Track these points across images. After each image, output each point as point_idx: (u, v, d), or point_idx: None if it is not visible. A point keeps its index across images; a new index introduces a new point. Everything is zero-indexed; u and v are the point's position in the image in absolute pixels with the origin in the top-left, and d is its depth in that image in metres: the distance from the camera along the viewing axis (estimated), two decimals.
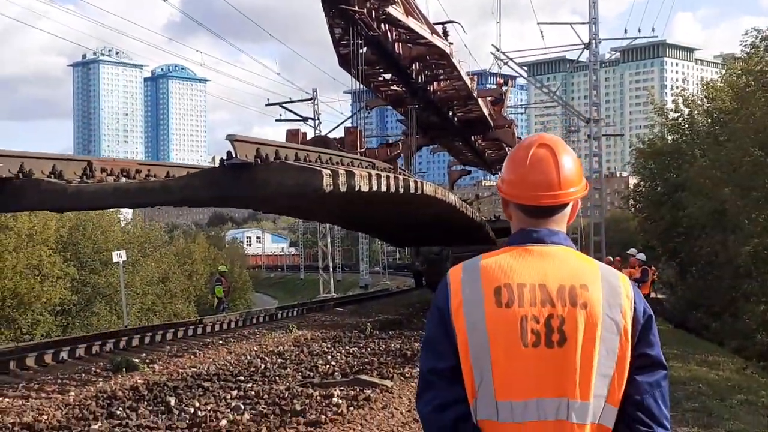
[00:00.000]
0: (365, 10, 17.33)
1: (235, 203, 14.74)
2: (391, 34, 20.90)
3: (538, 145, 2.65)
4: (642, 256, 26.12)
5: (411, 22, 19.72)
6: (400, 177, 15.45)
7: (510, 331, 2.44)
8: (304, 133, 20.20)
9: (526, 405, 2.43)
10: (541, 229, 2.61)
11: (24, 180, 11.23)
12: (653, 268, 39.58)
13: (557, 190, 2.60)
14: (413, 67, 24.20)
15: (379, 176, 13.28)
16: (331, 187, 10.78)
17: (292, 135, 19.46)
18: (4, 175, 10.93)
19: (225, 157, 10.86)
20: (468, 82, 27.96)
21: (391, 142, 22.32)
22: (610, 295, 2.50)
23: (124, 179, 12.23)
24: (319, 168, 10.90)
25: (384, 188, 13.42)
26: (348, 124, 27.69)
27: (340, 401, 11.36)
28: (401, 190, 14.75)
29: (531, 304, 2.46)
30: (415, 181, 16.65)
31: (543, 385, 2.44)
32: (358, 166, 15.18)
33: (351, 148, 18.52)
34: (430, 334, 2.58)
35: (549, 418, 2.43)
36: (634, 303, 2.55)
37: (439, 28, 24.38)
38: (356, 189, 11.75)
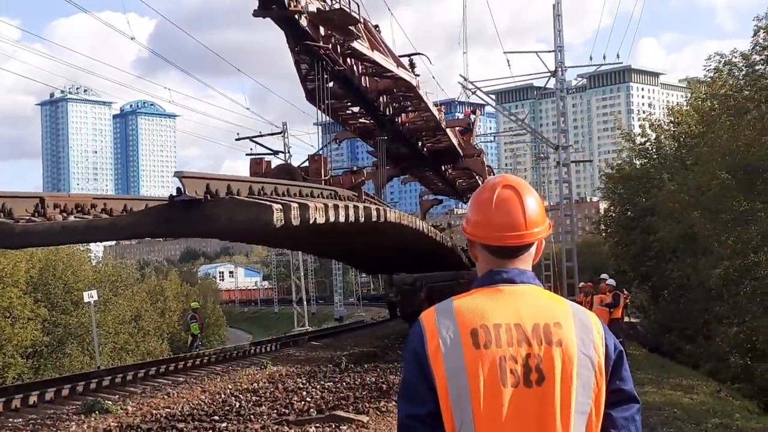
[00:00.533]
0: (330, 46, 17.40)
1: (191, 235, 14.64)
2: (357, 68, 20.99)
3: (502, 186, 2.67)
4: (612, 281, 26.22)
5: (376, 56, 19.82)
6: (361, 206, 15.41)
7: (490, 373, 2.45)
8: (268, 162, 20.14)
9: None
10: (510, 269, 2.63)
11: None
12: (626, 292, 39.77)
13: (523, 230, 2.62)
14: (380, 99, 24.31)
15: (336, 207, 13.22)
16: (282, 222, 10.72)
17: (256, 164, 19.46)
18: None
19: (174, 194, 10.82)
20: (436, 112, 28.11)
21: (355, 169, 22.30)
22: (582, 332, 2.53)
23: (77, 215, 12.12)
24: (269, 203, 10.85)
25: (342, 218, 13.37)
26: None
27: None
28: (362, 219, 14.71)
29: (508, 344, 2.47)
30: (377, 209, 16.59)
31: (524, 425, 2.44)
32: (319, 196, 15.08)
33: (315, 175, 18.49)
34: (407, 378, 2.56)
35: None
36: (605, 339, 2.57)
37: (405, 61, 24.52)
38: (311, 221, 11.68)
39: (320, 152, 20.97)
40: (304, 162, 19.83)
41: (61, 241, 12.11)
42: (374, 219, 15.74)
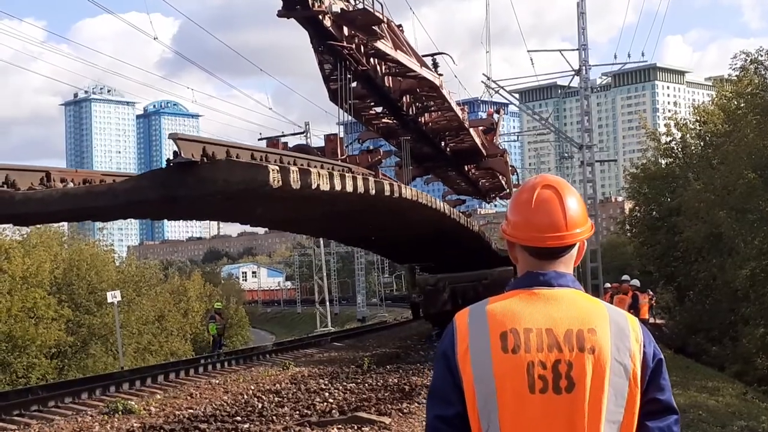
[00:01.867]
0: (354, 46, 17.36)
1: (186, 212, 14.47)
2: (381, 68, 20.93)
3: (542, 186, 2.62)
4: (636, 282, 26.03)
5: (400, 56, 19.76)
6: (371, 179, 15.31)
7: (517, 378, 2.41)
8: (285, 143, 20.07)
9: None
10: (548, 271, 2.57)
11: None
12: (650, 293, 39.52)
13: (563, 231, 2.57)
14: (404, 99, 24.24)
15: (342, 176, 13.19)
16: (280, 183, 10.72)
17: (272, 144, 19.37)
18: None
19: (171, 157, 10.84)
20: (459, 112, 28.01)
21: (371, 148, 22.20)
22: (618, 339, 2.47)
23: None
24: (265, 163, 10.90)
25: (350, 188, 13.31)
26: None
27: None
28: (372, 191, 14.62)
29: (538, 350, 2.43)
30: (391, 184, 16.59)
31: None
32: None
33: (331, 155, 18.43)
34: (436, 380, 2.55)
35: None
36: (644, 346, 2.51)
37: (428, 60, 24.44)
38: (313, 187, 11.67)
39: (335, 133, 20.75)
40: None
41: (60, 208, 12.11)
42: (387, 193, 15.62)
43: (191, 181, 10.95)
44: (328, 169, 13.68)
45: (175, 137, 10.95)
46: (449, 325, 2.58)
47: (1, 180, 11.84)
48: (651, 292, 42.43)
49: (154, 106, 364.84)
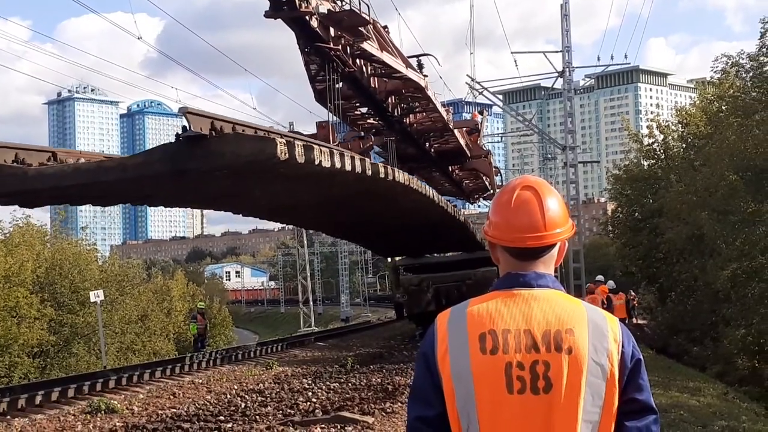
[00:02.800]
0: (340, 47, 17.37)
1: (191, 191, 14.60)
2: (366, 69, 20.96)
3: (522, 187, 2.64)
4: (611, 283, 26.19)
5: (386, 57, 19.79)
6: (368, 161, 15.55)
7: (495, 379, 2.43)
8: (276, 132, 20.11)
9: None
10: (528, 272, 2.59)
11: None
12: (632, 293, 39.69)
13: (542, 231, 2.58)
14: (389, 100, 24.28)
15: (342, 154, 13.43)
16: (286, 155, 10.95)
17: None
18: None
19: (180, 132, 11.00)
20: (444, 113, 28.07)
21: (363, 135, 22.25)
22: (596, 339, 2.48)
23: None
24: (273, 136, 11.20)
25: (348, 167, 13.55)
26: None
27: None
28: (368, 172, 14.86)
29: (516, 350, 2.44)
30: (385, 167, 16.77)
31: None
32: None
33: (324, 141, 18.52)
34: (417, 381, 2.57)
35: None
36: (622, 346, 2.52)
37: (413, 61, 24.48)
38: (316, 162, 11.91)
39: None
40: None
41: (73, 182, 12.22)
42: (381, 176, 15.86)
43: (200, 154, 11.15)
44: (329, 148, 13.87)
45: (185, 111, 11.10)
46: (431, 325, 2.59)
47: (11, 158, 12.00)
48: (633, 293, 42.68)
49: (138, 105, 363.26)
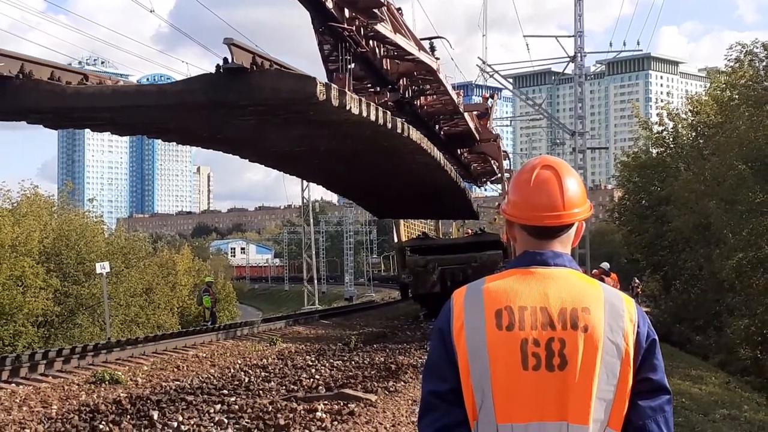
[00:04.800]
0: (354, 28, 17.36)
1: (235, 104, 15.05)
2: (379, 51, 20.92)
3: (541, 166, 2.65)
4: (605, 265, 26.22)
5: (399, 39, 19.73)
6: (389, 113, 15.75)
7: (511, 355, 2.44)
8: None
9: (527, 428, 2.43)
10: (545, 251, 2.61)
11: (24, 80, 11.70)
12: (637, 281, 39.71)
13: (561, 210, 2.60)
14: (401, 82, 24.22)
15: (368, 104, 13.65)
16: (324, 97, 11.23)
17: None
18: (5, 74, 11.42)
19: (221, 63, 11.10)
20: (454, 96, 27.99)
21: (378, 89, 22.31)
22: (612, 318, 2.49)
23: None
24: (313, 77, 11.40)
25: (373, 117, 13.85)
26: None
27: (324, 416, 11.30)
28: (389, 125, 15.17)
29: (532, 327, 2.46)
30: (402, 122, 16.95)
31: (544, 409, 2.43)
32: None
33: None
34: (432, 356, 2.59)
35: None
36: (638, 326, 2.53)
37: (426, 44, 24.38)
38: (347, 107, 12.19)
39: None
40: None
41: (111, 104, 12.33)
42: (399, 130, 16.14)
43: (241, 87, 11.26)
44: (358, 97, 14.04)
45: (229, 42, 11.16)
46: (447, 302, 2.61)
47: (47, 75, 12.11)
48: (637, 280, 42.65)
49: (148, 79, 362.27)
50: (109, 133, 16.02)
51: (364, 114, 13.41)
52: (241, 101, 11.91)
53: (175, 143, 18.70)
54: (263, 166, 22.66)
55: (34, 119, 13.80)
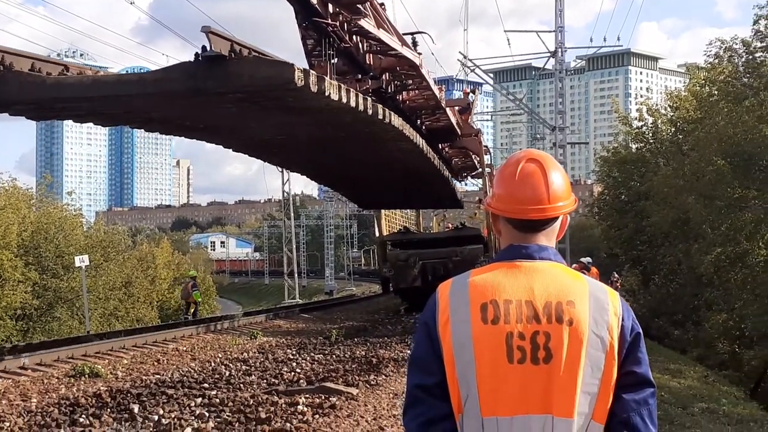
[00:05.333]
0: (338, 23, 17.34)
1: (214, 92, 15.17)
2: (362, 46, 20.88)
3: (526, 160, 2.64)
4: (587, 259, 26.35)
5: (382, 34, 19.70)
6: (369, 99, 15.80)
7: (496, 348, 2.44)
8: None
9: (512, 422, 2.43)
10: (530, 244, 2.60)
11: (5, 72, 11.85)
12: (616, 275, 39.88)
13: (545, 204, 2.59)
14: (383, 77, 24.19)
15: (348, 90, 13.74)
16: (302, 82, 11.29)
17: None
18: None
19: (200, 51, 11.24)
20: (436, 92, 27.98)
21: (360, 77, 22.33)
22: (597, 312, 2.49)
23: None
24: (291, 63, 11.40)
25: (353, 103, 13.89)
26: None
27: (306, 409, 11.29)
28: (370, 111, 15.20)
29: (517, 321, 2.45)
30: (384, 109, 17.01)
31: (529, 402, 2.43)
32: None
33: None
34: (417, 349, 2.58)
35: None
36: (622, 320, 2.53)
37: (408, 39, 24.37)
38: (326, 93, 12.24)
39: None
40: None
41: (91, 94, 12.45)
42: (380, 116, 16.20)
43: (219, 74, 11.37)
44: (338, 83, 14.09)
45: (207, 30, 11.24)
46: (432, 295, 2.60)
47: (27, 67, 12.24)
48: (617, 275, 42.82)
49: (127, 71, 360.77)
50: (92, 123, 16.00)
51: (344, 100, 13.46)
52: (220, 89, 12.00)
53: (154, 136, 18.84)
54: (246, 155, 22.66)
55: (16, 110, 13.80)
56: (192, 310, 31.04)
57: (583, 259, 27.20)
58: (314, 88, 11.89)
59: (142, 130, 17.79)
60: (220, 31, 11.82)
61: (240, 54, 11.73)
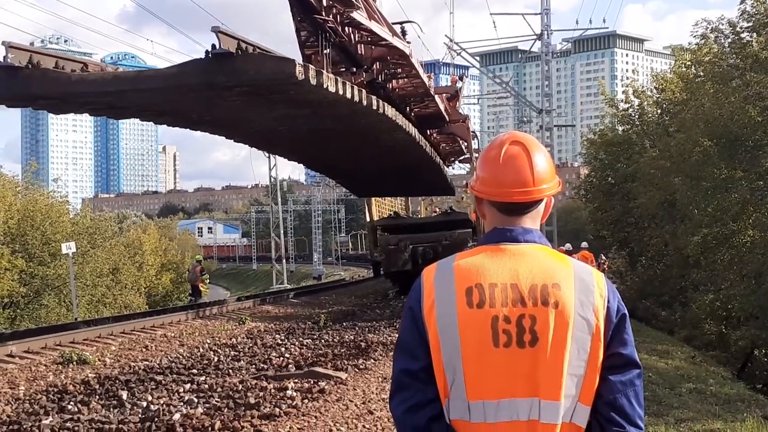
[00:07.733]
0: (331, 17, 17.47)
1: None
2: (354, 37, 21.00)
3: (510, 142, 2.62)
4: (568, 246, 26.46)
5: (373, 26, 19.79)
6: (364, 91, 16.59)
7: (481, 332, 2.43)
8: None
9: (498, 405, 2.43)
10: (515, 227, 2.59)
11: (33, 69, 13.06)
12: (603, 257, 40.01)
13: (530, 186, 2.57)
14: (374, 66, 24.30)
15: (345, 83, 14.63)
16: (303, 76, 12.29)
17: None
18: (16, 64, 12.83)
19: (210, 49, 12.31)
20: (425, 79, 28.08)
21: (354, 70, 22.47)
22: (582, 294, 2.48)
23: None
24: (292, 59, 12.54)
25: (349, 95, 14.79)
26: None
27: (295, 394, 11.31)
28: (365, 102, 16.04)
29: (502, 304, 2.45)
30: (378, 100, 17.65)
31: (515, 386, 2.43)
32: None
33: None
34: (403, 334, 2.57)
35: (521, 418, 2.43)
36: (608, 301, 2.52)
37: (397, 28, 24.43)
38: (324, 86, 13.21)
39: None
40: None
41: (114, 89, 13.57)
42: (374, 107, 16.97)
43: (228, 69, 12.37)
44: (335, 76, 14.86)
45: (217, 30, 12.24)
46: (417, 280, 2.59)
47: (52, 64, 13.37)
48: (604, 257, 43.02)
49: (112, 58, 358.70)
50: (106, 117, 17.22)
51: (341, 92, 14.19)
52: (229, 82, 12.86)
53: (140, 122, 19.04)
54: (248, 146, 23.15)
55: (39, 105, 14.95)
56: (201, 294, 31.41)
57: (563, 247, 27.29)
58: (314, 82, 12.72)
59: (151, 122, 18.41)
60: (228, 30, 12.72)
61: (246, 51, 12.66)
